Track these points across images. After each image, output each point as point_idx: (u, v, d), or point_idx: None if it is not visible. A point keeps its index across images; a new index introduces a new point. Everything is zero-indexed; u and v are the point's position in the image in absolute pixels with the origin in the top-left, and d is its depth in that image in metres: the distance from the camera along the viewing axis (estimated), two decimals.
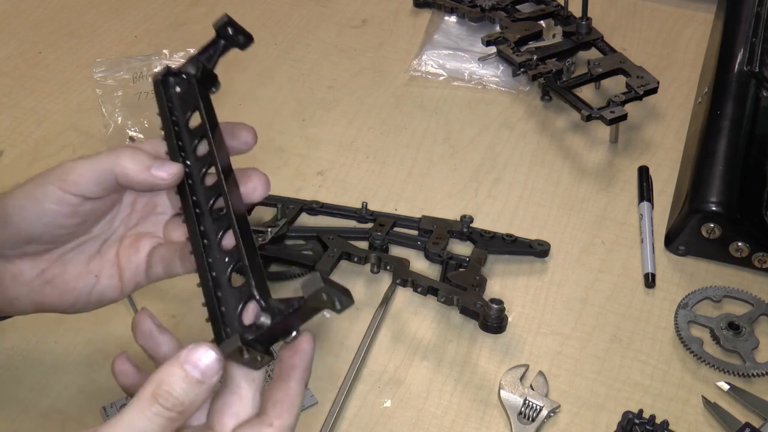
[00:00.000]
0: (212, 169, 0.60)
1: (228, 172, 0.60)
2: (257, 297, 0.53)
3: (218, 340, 0.53)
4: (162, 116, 0.63)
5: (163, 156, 0.61)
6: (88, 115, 1.02)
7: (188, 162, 0.61)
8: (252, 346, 0.52)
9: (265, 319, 0.52)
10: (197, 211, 0.59)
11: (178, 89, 0.63)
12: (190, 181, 0.60)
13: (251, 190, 0.61)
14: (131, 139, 0.90)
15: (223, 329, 0.53)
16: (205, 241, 0.57)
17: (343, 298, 0.51)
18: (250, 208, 0.88)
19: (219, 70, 0.63)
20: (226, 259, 0.56)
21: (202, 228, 0.58)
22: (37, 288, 0.61)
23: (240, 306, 0.54)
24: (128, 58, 0.99)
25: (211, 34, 0.62)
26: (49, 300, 0.62)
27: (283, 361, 0.54)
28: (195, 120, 0.63)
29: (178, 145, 0.61)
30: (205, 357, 0.49)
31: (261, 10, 1.20)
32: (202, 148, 0.62)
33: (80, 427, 0.71)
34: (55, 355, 0.76)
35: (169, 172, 0.58)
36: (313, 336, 0.54)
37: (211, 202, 0.59)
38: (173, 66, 0.63)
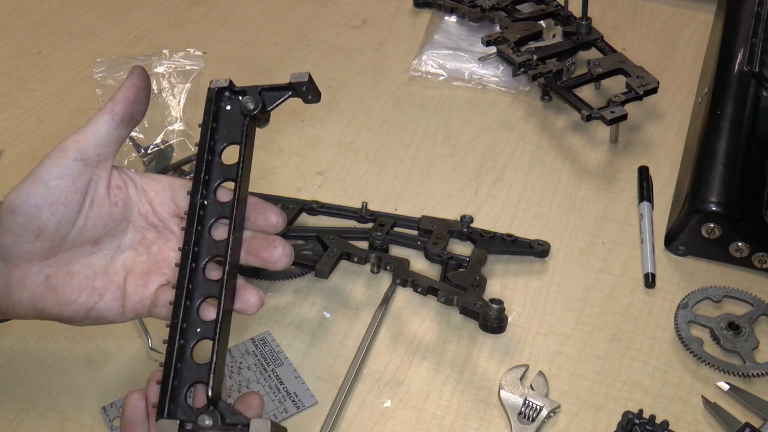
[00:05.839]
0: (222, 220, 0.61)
1: (238, 244, 0.60)
2: (210, 394, 0.56)
3: (160, 408, 0.56)
4: (202, 131, 0.62)
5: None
6: (88, 115, 1.01)
7: (205, 202, 0.61)
8: None
9: (208, 422, 0.55)
10: (193, 265, 0.60)
11: (228, 107, 0.63)
12: (199, 227, 0.60)
13: (272, 261, 0.61)
14: (131, 139, 0.90)
15: (167, 403, 0.56)
16: (188, 302, 0.59)
17: None
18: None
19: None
20: (198, 330, 0.58)
21: (190, 286, 0.59)
22: (40, 294, 0.61)
23: (188, 386, 0.57)
24: (128, 58, 0.99)
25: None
26: (49, 308, 0.62)
27: None
28: (229, 158, 0.62)
29: (203, 179, 0.61)
30: None
31: (261, 10, 1.20)
32: (224, 194, 0.62)
33: (80, 428, 0.71)
34: (54, 355, 0.76)
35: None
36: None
37: (207, 259, 0.60)
38: (235, 85, 0.63)
